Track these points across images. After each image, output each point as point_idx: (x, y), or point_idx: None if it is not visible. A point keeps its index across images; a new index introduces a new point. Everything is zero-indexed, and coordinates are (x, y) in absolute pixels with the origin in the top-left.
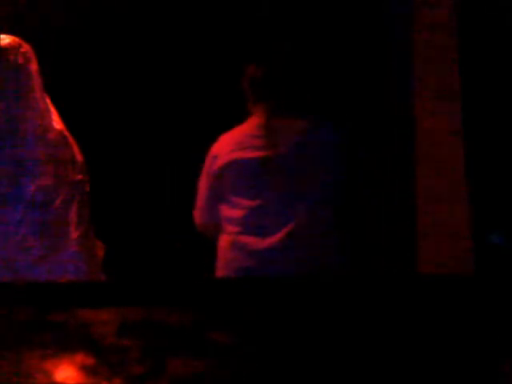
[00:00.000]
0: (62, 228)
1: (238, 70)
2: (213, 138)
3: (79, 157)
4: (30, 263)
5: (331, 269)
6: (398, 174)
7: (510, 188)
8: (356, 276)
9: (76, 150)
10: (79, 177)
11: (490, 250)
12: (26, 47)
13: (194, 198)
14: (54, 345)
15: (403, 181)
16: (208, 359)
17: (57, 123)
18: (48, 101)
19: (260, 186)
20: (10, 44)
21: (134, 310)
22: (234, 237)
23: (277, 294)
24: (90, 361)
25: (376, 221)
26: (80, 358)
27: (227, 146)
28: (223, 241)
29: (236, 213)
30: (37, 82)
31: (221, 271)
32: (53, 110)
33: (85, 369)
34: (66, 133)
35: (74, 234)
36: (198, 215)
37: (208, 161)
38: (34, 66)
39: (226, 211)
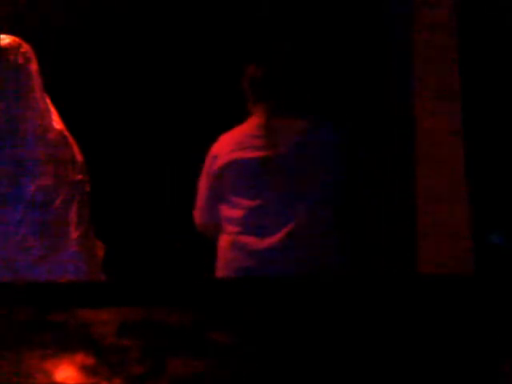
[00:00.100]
0: (62, 228)
1: (238, 70)
2: (213, 138)
3: (79, 157)
4: (30, 263)
5: (331, 269)
6: (398, 173)
7: (510, 188)
8: (356, 276)
9: (76, 150)
10: (79, 177)
11: (490, 250)
12: (25, 47)
13: (193, 198)
14: (53, 345)
15: (403, 181)
16: (208, 359)
17: (57, 123)
18: (48, 101)
19: (260, 186)
20: (9, 44)
21: (134, 310)
22: (233, 237)
23: (277, 293)
24: (89, 361)
25: (376, 221)
26: (80, 357)
27: (227, 146)
28: (223, 241)
29: (236, 213)
30: (37, 82)
31: (221, 271)
32: (53, 110)
33: (85, 369)
34: (66, 133)
35: (74, 234)
36: (198, 215)
37: (208, 161)
38: (34, 66)
39: (226, 211)
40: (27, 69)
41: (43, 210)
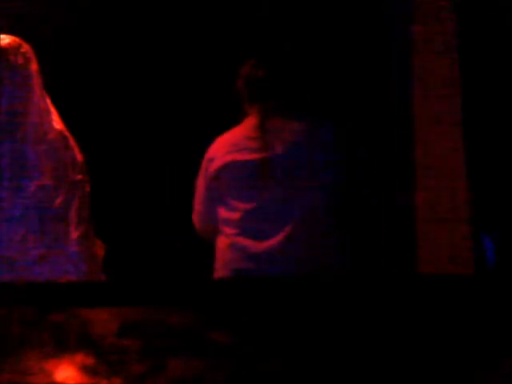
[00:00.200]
0: (62, 228)
1: (238, 70)
2: (213, 139)
3: (79, 157)
4: (30, 263)
5: (331, 269)
6: (398, 174)
7: (510, 186)
8: (356, 276)
9: (76, 149)
10: (79, 177)
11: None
12: (25, 47)
13: (193, 199)
14: (53, 345)
15: (403, 181)
16: (208, 359)
17: (57, 123)
18: (48, 101)
19: (257, 188)
20: (9, 44)
21: (134, 309)
22: (232, 239)
23: (276, 294)
24: (89, 361)
25: (376, 221)
26: (80, 357)
27: (223, 148)
28: (221, 242)
29: (233, 215)
30: (37, 82)
31: (219, 272)
32: (53, 110)
33: (85, 369)
34: (66, 133)
35: (74, 233)
36: (197, 219)
37: (204, 163)
38: (34, 66)
39: (224, 213)
40: (27, 69)
41: (43, 209)
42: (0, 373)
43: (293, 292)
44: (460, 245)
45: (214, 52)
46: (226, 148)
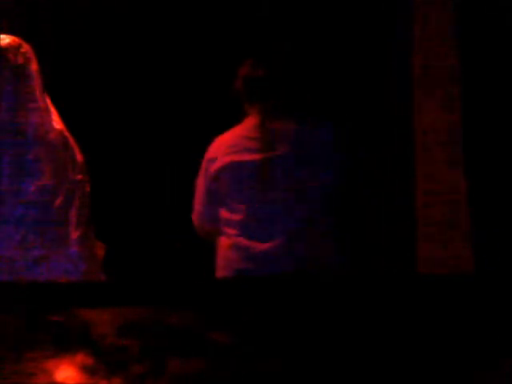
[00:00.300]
0: (62, 228)
1: (238, 70)
2: (213, 139)
3: (79, 157)
4: (30, 263)
5: (331, 269)
6: (398, 174)
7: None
8: (356, 276)
9: (76, 150)
10: (79, 177)
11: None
12: (25, 47)
13: (193, 198)
14: (53, 345)
15: (403, 181)
16: (208, 359)
17: (57, 123)
18: (48, 101)
19: (258, 188)
20: (9, 44)
21: (133, 310)
22: (233, 239)
23: (276, 293)
24: (89, 361)
25: (376, 221)
26: (80, 357)
27: (223, 149)
28: (223, 242)
29: (234, 216)
30: (37, 82)
31: (221, 271)
32: (53, 110)
33: (84, 369)
34: (66, 133)
35: (74, 234)
36: (196, 218)
37: (204, 163)
38: (34, 66)
39: (225, 214)
40: (27, 69)
41: (43, 209)
42: (0, 373)
43: (293, 292)
44: (460, 245)
45: (213, 52)
46: (226, 148)
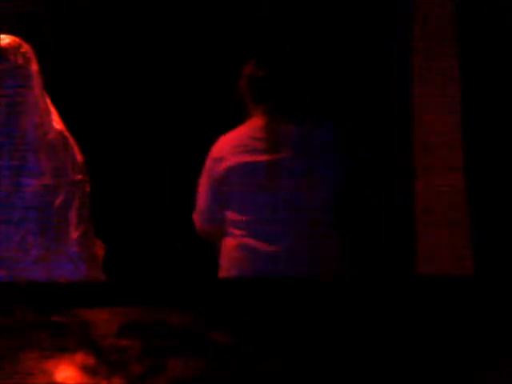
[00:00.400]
0: (62, 228)
1: (239, 70)
2: (213, 138)
3: (79, 157)
4: (30, 263)
5: (331, 269)
6: (398, 174)
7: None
8: (356, 276)
9: (76, 150)
10: (79, 177)
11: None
12: (25, 47)
13: (194, 198)
14: (54, 345)
15: (403, 181)
16: (208, 359)
17: (57, 123)
18: (48, 101)
19: (264, 189)
20: (9, 44)
21: (133, 309)
22: (239, 240)
23: (277, 294)
24: (89, 361)
25: (376, 221)
26: (80, 357)
27: (230, 149)
28: (228, 243)
29: (241, 216)
30: (37, 82)
31: (226, 272)
32: (53, 110)
33: (85, 369)
34: (66, 133)
35: (74, 234)
36: (198, 218)
37: (209, 163)
38: (34, 66)
39: (231, 215)
40: (27, 69)
41: (43, 209)
42: (0, 373)
43: (293, 292)
44: (460, 245)
45: (214, 52)
46: (232, 148)
